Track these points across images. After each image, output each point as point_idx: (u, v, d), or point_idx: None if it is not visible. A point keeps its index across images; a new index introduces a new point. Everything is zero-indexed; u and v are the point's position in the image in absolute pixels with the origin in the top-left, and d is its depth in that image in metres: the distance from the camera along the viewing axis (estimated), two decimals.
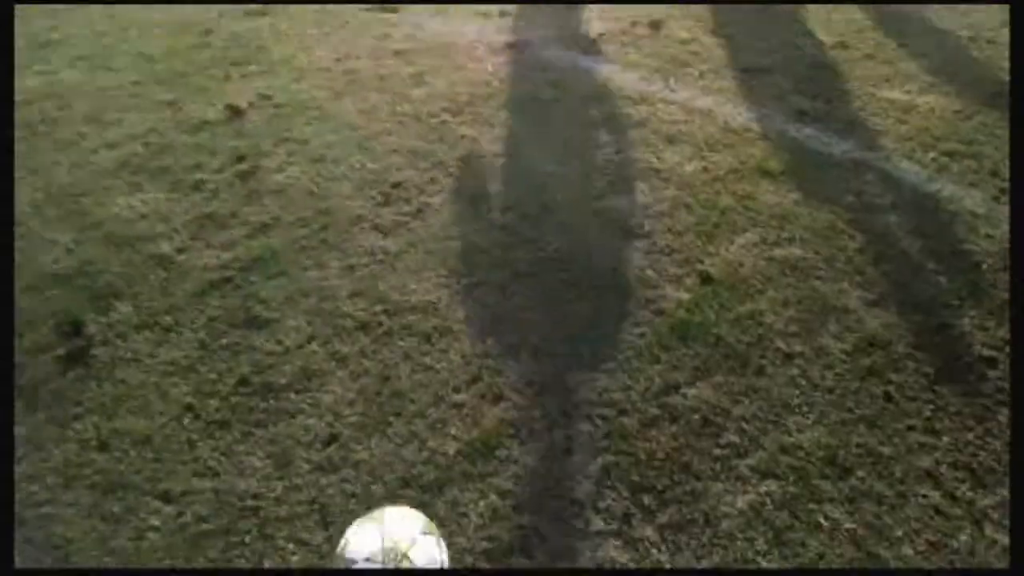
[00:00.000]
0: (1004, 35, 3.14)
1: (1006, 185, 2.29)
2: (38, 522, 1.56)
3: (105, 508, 1.58)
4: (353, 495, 1.56)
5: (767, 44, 3.17)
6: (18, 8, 4.50)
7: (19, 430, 1.76)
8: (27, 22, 4.06)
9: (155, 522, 1.54)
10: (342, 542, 1.26)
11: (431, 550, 1.25)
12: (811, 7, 3.47)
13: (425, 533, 1.28)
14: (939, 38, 3.17)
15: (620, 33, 3.37)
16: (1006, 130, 2.54)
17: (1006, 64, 2.92)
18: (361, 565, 1.20)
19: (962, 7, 3.38)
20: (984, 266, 2.02)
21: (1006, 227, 2.13)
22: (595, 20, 3.50)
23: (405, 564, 1.21)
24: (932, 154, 2.45)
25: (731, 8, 3.53)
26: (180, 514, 1.55)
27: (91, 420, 1.77)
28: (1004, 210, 2.20)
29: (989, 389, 1.71)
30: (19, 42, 3.84)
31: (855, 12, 3.42)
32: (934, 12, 3.37)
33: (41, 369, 1.91)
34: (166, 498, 1.59)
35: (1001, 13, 3.29)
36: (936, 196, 2.27)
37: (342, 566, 1.22)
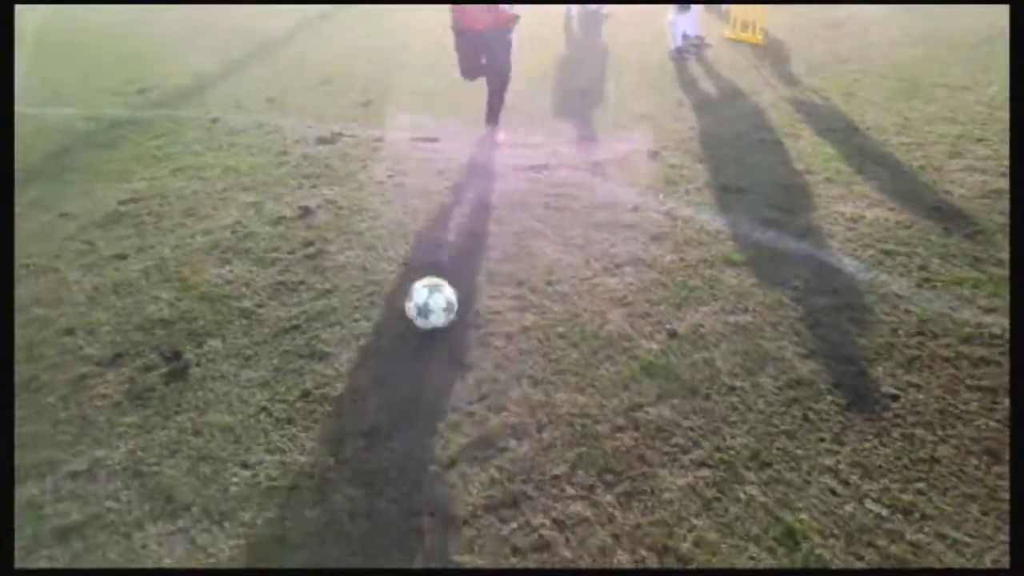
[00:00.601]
0: (951, 164, 4.02)
1: (930, 275, 3.02)
2: (149, 478, 2.25)
3: (199, 471, 2.26)
4: (389, 468, 2.22)
5: (745, 170, 4.11)
6: (130, 127, 5.89)
7: (132, 418, 2.50)
8: (137, 143, 5.35)
9: (236, 480, 2.22)
10: (421, 302, 2.81)
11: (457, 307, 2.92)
12: (787, 142, 4.46)
13: (456, 295, 2.93)
14: (893, 166, 4.06)
15: (622, 159, 4.38)
16: (939, 236, 3.32)
17: (948, 187, 3.77)
18: (438, 313, 2.82)
19: (918, 141, 4.32)
20: (900, 332, 2.70)
21: (924, 305, 2.83)
22: (601, 149, 4.55)
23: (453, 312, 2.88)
24: (871, 252, 3.22)
25: (718, 141, 4.54)
26: (255, 475, 2.23)
27: (188, 415, 2.51)
28: (925, 293, 2.91)
29: (889, 415, 2.32)
30: (129, 155, 5.09)
31: (825, 146, 4.38)
32: (892, 147, 4.30)
33: (149, 382, 2.69)
34: (245, 465, 2.27)
35: (949, 146, 4.21)
36: (869, 282, 3.00)
37: (422, 314, 2.82)
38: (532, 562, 1.91)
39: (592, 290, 3.10)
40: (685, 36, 6.79)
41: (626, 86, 6.00)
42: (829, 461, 2.17)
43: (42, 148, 5.47)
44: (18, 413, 2.53)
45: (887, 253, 3.21)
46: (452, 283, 3.03)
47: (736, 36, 7.21)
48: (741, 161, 4.25)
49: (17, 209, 4.31)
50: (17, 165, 5.13)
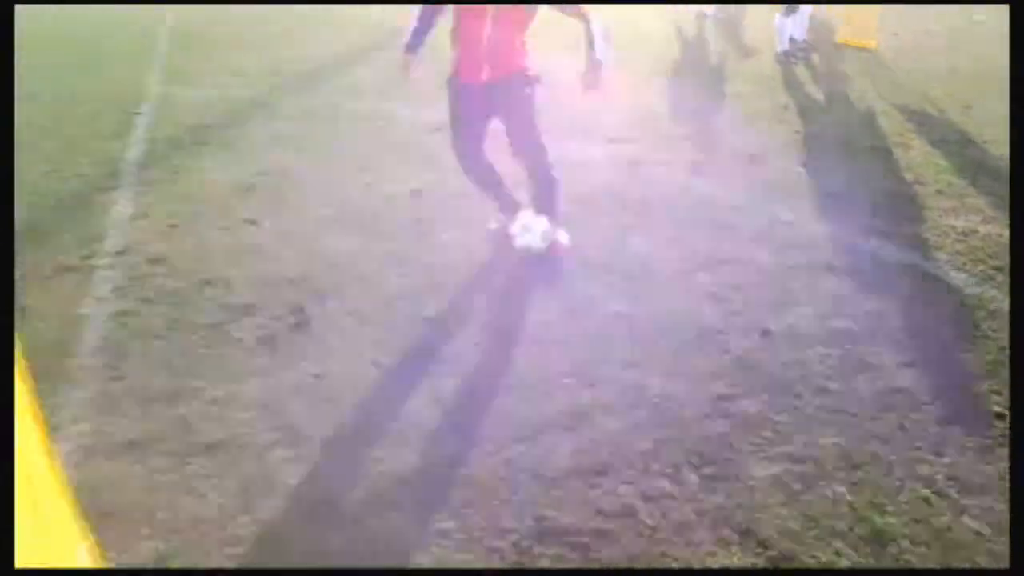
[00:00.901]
0: None
1: None
2: (277, 412, 2.47)
3: (319, 409, 2.47)
4: (486, 425, 2.34)
5: (850, 177, 3.98)
6: (259, 109, 6.34)
7: (262, 360, 2.74)
8: (266, 123, 5.76)
9: (350, 420, 2.40)
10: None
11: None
12: (896, 151, 4.27)
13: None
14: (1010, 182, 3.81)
15: (724, 160, 4.32)
16: None
17: None
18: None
19: None
20: (1008, 352, 2.56)
21: None
22: (703, 148, 4.51)
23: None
24: (981, 267, 3.06)
25: (823, 147, 4.40)
26: (368, 418, 2.41)
27: (310, 361, 2.73)
28: None
29: (994, 434, 2.23)
30: (259, 134, 5.48)
31: (938, 157, 4.16)
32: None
33: (277, 330, 2.94)
34: (359, 408, 2.46)
35: None
36: (977, 297, 2.86)
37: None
38: (615, 525, 1.98)
39: (686, 284, 3.11)
40: (792, 40, 6.59)
41: (731, 87, 5.90)
42: (924, 471, 2.11)
43: (182, 123, 5.96)
44: (171, 345, 2.83)
45: (998, 269, 3.05)
46: (547, 267, 3.13)
47: (848, 40, 6.91)
48: (846, 168, 4.11)
49: (163, 175, 4.75)
50: (162, 136, 5.63)
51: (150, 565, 1.89)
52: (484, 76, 3.06)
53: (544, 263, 3.31)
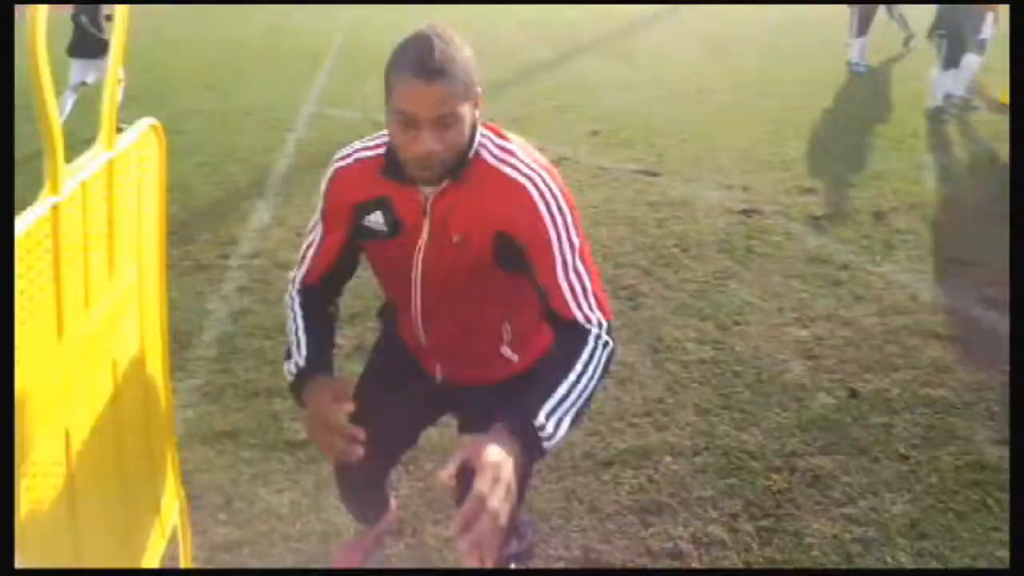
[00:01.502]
0: None
1: None
2: None
3: None
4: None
5: (978, 244, 3.78)
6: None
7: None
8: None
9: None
10: None
11: None
12: None
13: None
14: None
15: (843, 215, 4.25)
16: None
17: None
18: None
19: None
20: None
21: None
22: (824, 202, 4.45)
23: None
24: None
25: (956, 211, 4.20)
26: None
27: None
28: None
29: None
30: None
31: None
32: None
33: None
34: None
35: None
36: None
37: None
38: (661, 565, 2.08)
39: (779, 337, 3.14)
40: (949, 96, 6.28)
41: (868, 141, 5.73)
42: (1002, 553, 2.03)
43: None
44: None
45: None
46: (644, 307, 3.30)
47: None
48: (976, 235, 3.91)
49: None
50: None
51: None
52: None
53: (640, 305, 3.47)
